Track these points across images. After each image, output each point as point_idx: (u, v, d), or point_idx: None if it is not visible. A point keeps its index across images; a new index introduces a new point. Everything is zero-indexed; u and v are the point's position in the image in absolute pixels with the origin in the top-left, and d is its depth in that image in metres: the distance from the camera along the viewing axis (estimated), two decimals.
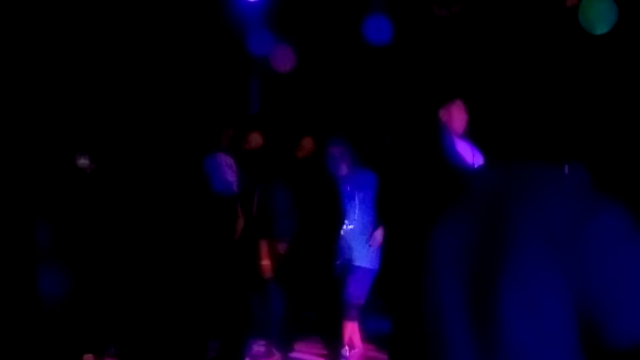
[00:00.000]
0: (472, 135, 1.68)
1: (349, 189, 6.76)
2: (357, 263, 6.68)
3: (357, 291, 6.67)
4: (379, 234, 6.63)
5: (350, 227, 6.73)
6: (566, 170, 1.61)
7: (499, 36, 1.62)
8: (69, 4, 7.93)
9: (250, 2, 8.79)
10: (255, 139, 7.15)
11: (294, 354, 7.10)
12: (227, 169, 6.67)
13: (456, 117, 5.50)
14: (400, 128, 5.97)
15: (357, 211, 6.73)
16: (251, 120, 8.48)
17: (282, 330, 6.90)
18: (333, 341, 6.89)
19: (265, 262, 6.74)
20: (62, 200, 5.23)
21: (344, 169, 6.79)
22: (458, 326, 1.57)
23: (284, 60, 8.75)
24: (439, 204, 2.35)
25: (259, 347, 7.16)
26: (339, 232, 6.72)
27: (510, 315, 1.46)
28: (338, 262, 6.72)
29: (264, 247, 6.74)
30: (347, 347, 6.77)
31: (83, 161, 6.37)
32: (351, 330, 6.73)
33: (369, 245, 6.67)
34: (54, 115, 6.06)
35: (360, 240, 6.71)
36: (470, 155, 5.71)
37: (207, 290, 5.69)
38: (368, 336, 6.99)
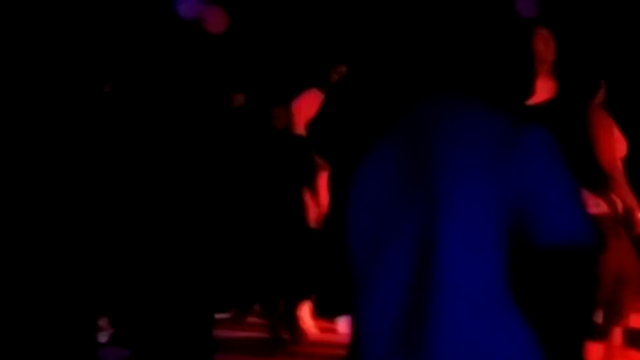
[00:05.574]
0: (399, 70, 1.89)
1: None
2: None
3: None
4: None
5: None
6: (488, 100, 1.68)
7: None
8: None
9: None
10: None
11: None
12: None
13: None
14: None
15: None
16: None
17: None
18: None
19: None
20: None
21: None
22: (388, 258, 1.61)
23: (214, 21, 8.82)
24: (365, 137, 2.46)
25: None
26: None
27: (446, 238, 1.54)
28: None
29: None
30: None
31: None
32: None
33: None
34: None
35: None
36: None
37: None
38: None
